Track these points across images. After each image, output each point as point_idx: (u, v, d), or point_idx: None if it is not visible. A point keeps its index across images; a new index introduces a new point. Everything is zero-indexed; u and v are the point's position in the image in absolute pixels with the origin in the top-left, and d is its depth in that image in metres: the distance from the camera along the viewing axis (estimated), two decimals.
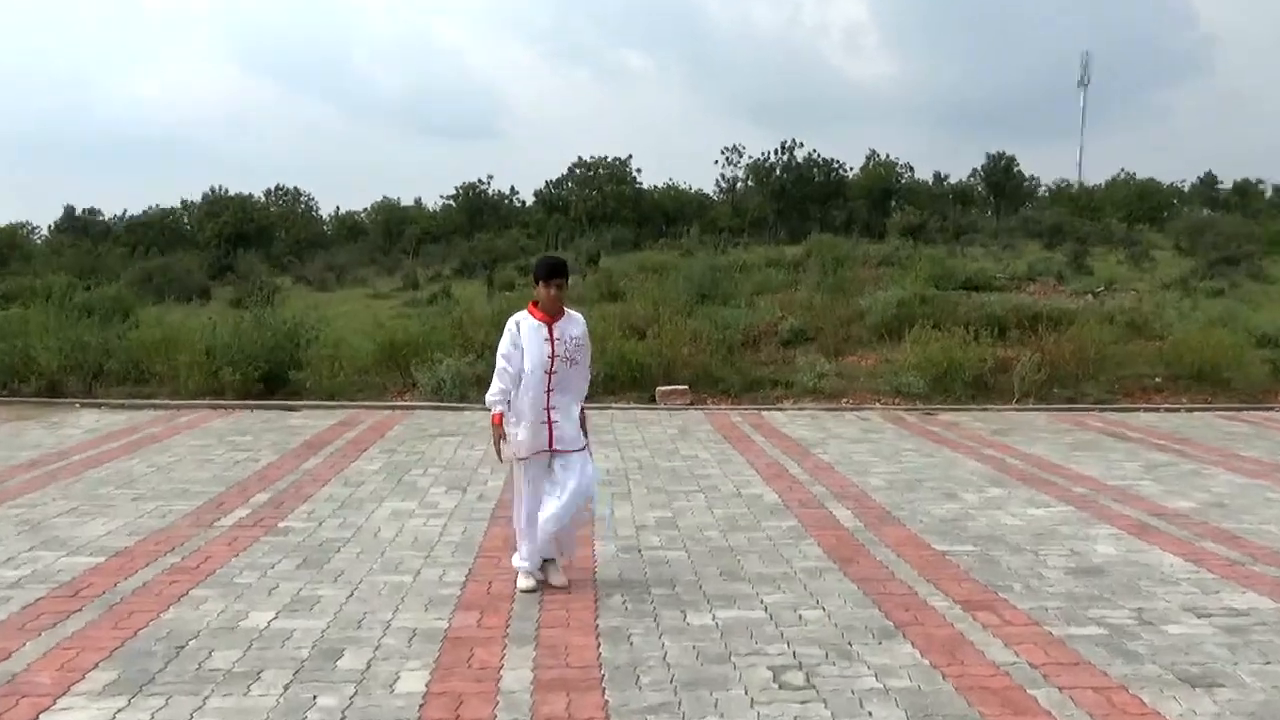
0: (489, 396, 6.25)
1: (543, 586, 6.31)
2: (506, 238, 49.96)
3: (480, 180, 73.76)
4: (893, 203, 67.76)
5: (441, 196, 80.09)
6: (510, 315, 6.36)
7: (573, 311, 6.37)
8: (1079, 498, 9.08)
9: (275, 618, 5.79)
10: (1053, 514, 8.47)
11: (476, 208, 72.65)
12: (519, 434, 6.18)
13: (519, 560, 6.35)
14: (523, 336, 6.14)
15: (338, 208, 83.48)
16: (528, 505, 6.27)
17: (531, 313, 6.22)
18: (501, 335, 6.26)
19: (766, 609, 5.99)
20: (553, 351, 6.17)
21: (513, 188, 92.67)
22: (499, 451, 6.23)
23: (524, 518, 6.28)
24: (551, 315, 6.20)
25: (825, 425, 13.42)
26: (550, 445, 6.23)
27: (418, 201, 78.68)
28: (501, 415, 6.19)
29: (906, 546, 7.40)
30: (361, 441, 11.80)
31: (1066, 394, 15.73)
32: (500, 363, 6.19)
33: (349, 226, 77.64)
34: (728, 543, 7.49)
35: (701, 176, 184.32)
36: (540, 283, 6.16)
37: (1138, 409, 15.15)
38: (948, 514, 8.45)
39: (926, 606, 6.05)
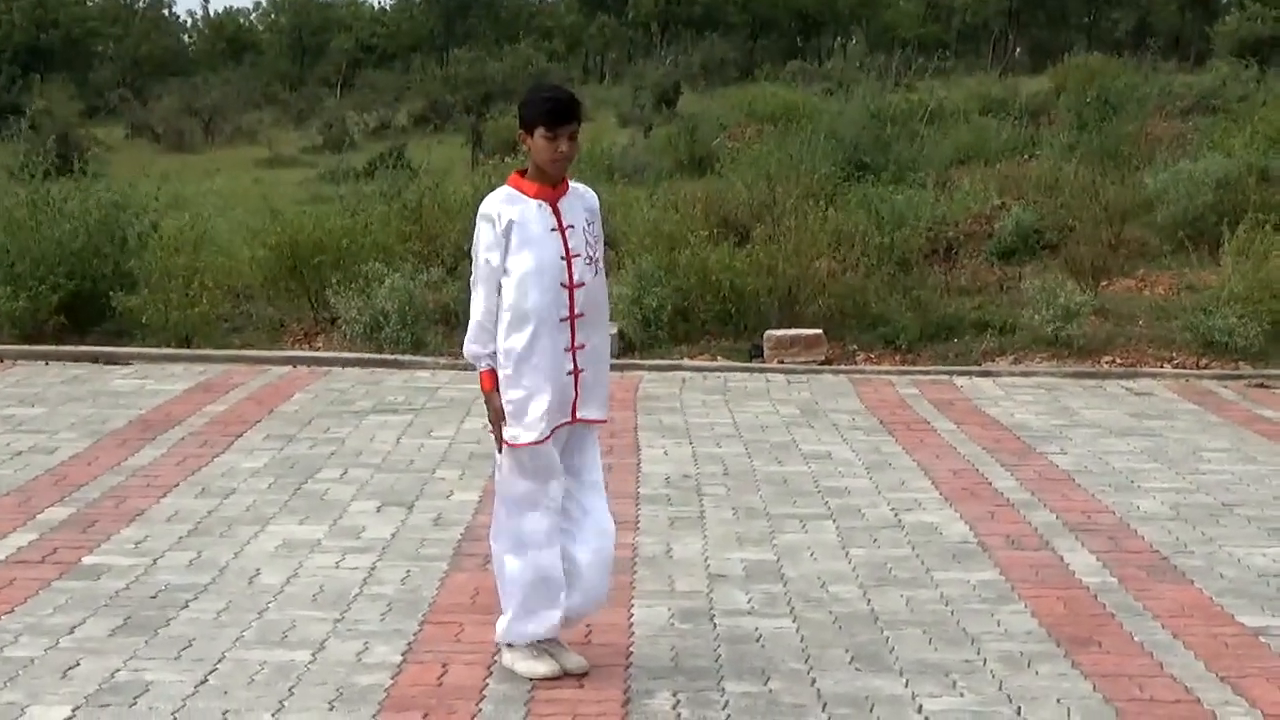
0: (469, 345, 6.48)
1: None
2: (510, 58, 50.24)
3: None
4: None
5: None
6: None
7: (575, 183, 6.60)
8: None
9: (70, 718, 6.09)
10: None
11: (458, 4, 72.98)
12: (531, 403, 6.40)
13: (517, 629, 6.59)
14: (515, 232, 6.34)
15: (206, 3, 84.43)
16: (541, 529, 6.46)
17: (518, 187, 6.42)
18: (476, 233, 6.45)
19: None
20: (567, 248, 6.38)
21: None
22: (499, 439, 6.47)
23: (530, 548, 6.47)
24: (554, 186, 6.42)
25: (1068, 403, 13.49)
26: (574, 414, 6.46)
27: None
28: (493, 375, 6.43)
29: (1192, 619, 7.51)
30: (235, 420, 12.12)
31: None
32: (482, 286, 6.40)
33: (227, 38, 78.58)
34: (870, 607, 7.65)
35: None
36: (537, 130, 6.33)
37: None
38: (1273, 564, 8.53)
39: None
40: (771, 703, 6.35)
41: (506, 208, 6.34)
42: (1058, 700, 6.43)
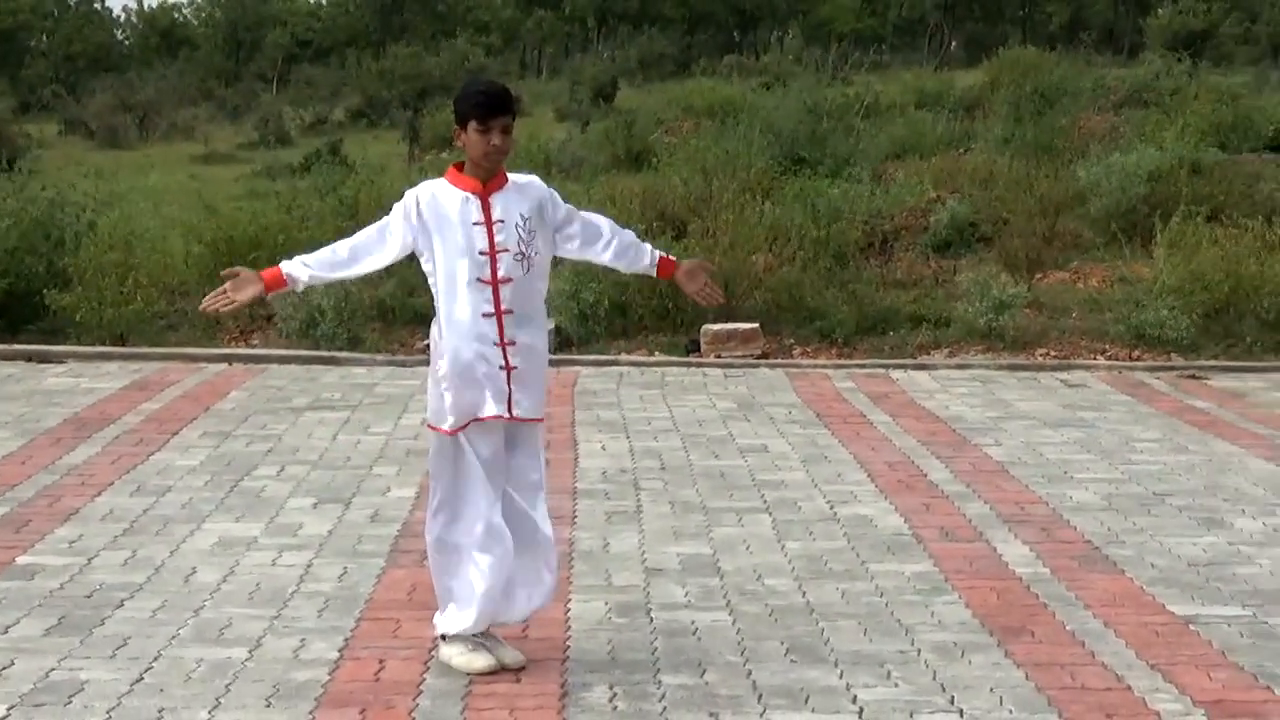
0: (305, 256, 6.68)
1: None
2: (446, 52, 50.13)
3: None
4: None
5: None
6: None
7: (517, 175, 6.63)
8: None
9: (4, 717, 6.08)
10: None
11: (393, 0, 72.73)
12: (446, 393, 6.43)
13: (453, 622, 6.61)
14: (429, 217, 6.40)
15: None
16: (479, 517, 6.47)
17: (453, 180, 6.46)
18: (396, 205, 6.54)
19: (862, 713, 6.22)
20: (491, 241, 6.40)
21: None
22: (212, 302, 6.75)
23: (467, 542, 6.49)
24: (485, 181, 6.45)
25: (1002, 396, 13.60)
26: (510, 411, 6.46)
27: None
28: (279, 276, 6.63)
29: (1123, 608, 7.60)
30: (171, 418, 12.09)
31: None
32: (364, 232, 6.56)
33: (162, 33, 78.07)
34: (806, 599, 7.70)
35: None
36: (470, 124, 6.37)
37: None
38: (1202, 553, 8.63)
39: (1144, 711, 6.26)
40: (708, 695, 6.39)
41: (426, 191, 6.46)
42: (991, 689, 6.49)
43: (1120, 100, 29.46)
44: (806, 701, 6.32)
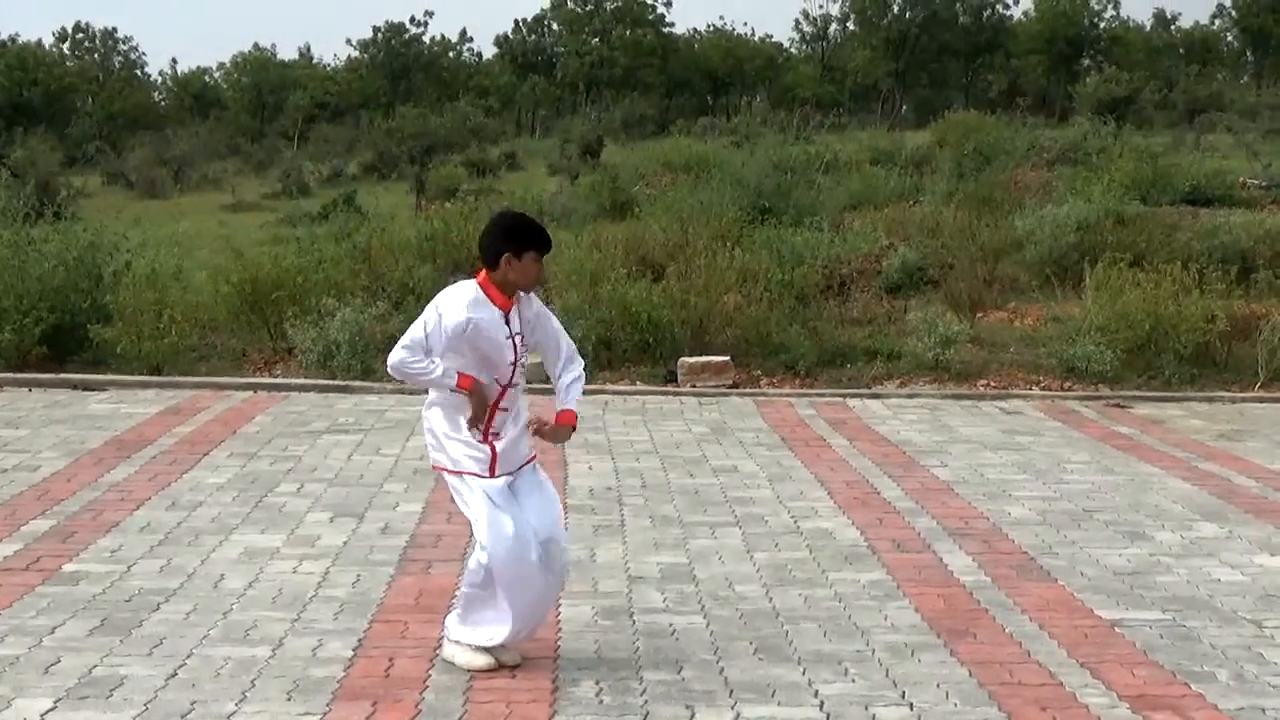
0: (414, 364, 6.43)
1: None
2: (449, 113, 50.26)
3: (411, 20, 73.92)
4: (1084, 62, 67.66)
5: (349, 44, 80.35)
6: (448, 285, 6.59)
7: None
8: None
9: (52, 709, 6.07)
10: None
11: (403, 65, 72.93)
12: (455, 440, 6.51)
13: (470, 632, 6.62)
14: (480, 332, 6.42)
15: (175, 63, 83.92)
16: (510, 539, 6.49)
17: (488, 293, 6.48)
18: (439, 312, 6.43)
19: (823, 707, 6.24)
20: (515, 355, 6.55)
21: (464, 33, 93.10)
22: (478, 418, 6.46)
23: (497, 559, 6.48)
24: (511, 298, 6.52)
25: (948, 422, 13.64)
26: (493, 470, 6.51)
27: (306, 54, 79.11)
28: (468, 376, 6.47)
29: (1056, 612, 7.64)
30: (202, 440, 12.09)
31: None
32: (412, 348, 6.43)
33: (195, 94, 78.07)
34: (772, 604, 7.74)
35: (774, 16, 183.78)
36: (528, 254, 6.45)
37: None
38: (1127, 563, 8.68)
39: (1074, 705, 6.29)
40: (684, 690, 6.40)
41: (478, 310, 6.41)
42: (938, 685, 6.51)
43: (1053, 158, 29.58)
44: (773, 696, 6.34)
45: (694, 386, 15.19)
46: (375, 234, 19.43)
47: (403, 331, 6.62)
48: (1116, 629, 7.38)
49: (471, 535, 6.95)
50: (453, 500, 6.74)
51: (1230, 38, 74.70)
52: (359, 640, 7.00)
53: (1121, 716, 6.17)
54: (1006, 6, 69.66)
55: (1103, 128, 34.17)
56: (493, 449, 6.48)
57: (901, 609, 7.68)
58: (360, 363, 15.30)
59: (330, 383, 15.02)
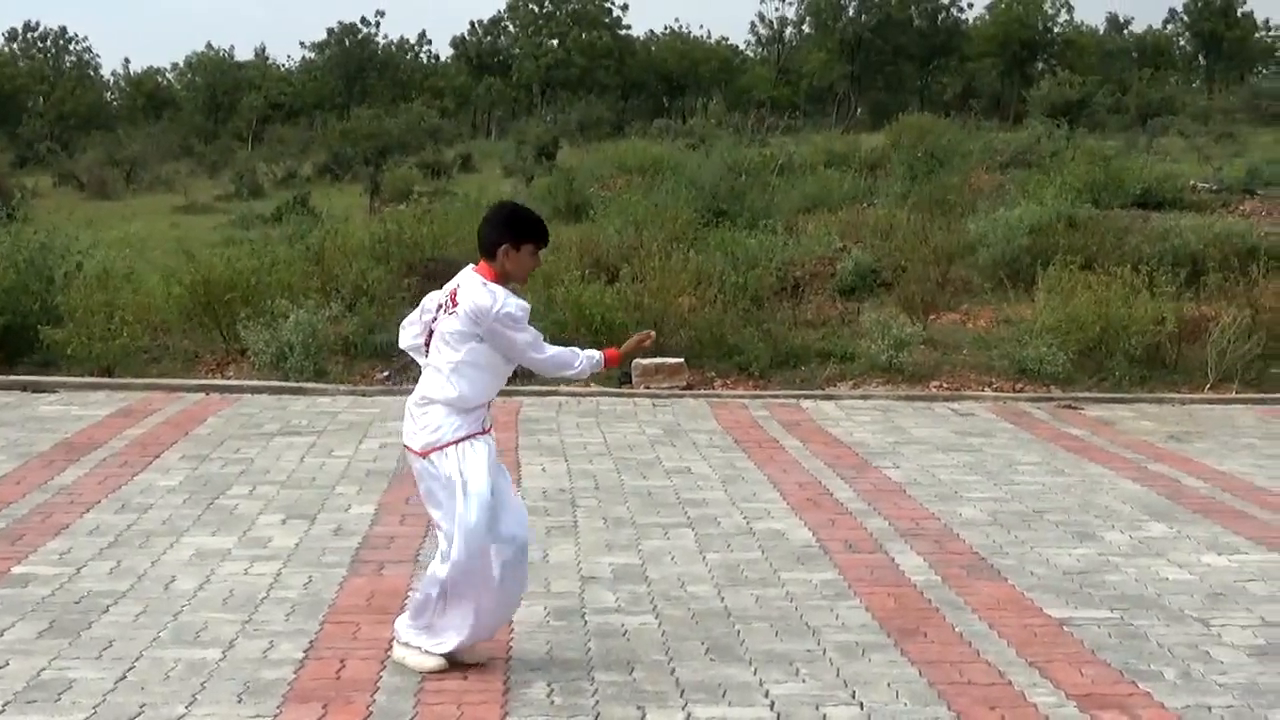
0: (586, 359, 6.68)
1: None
2: (404, 114, 50.14)
3: (364, 21, 73.72)
4: (1038, 65, 68.05)
5: (302, 46, 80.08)
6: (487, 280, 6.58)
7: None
8: None
9: (1, 712, 6.04)
10: (1242, 564, 8.80)
11: (357, 66, 72.67)
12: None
13: (424, 638, 6.62)
14: None
15: (127, 63, 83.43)
16: (507, 538, 6.53)
17: (493, 281, 6.58)
18: (522, 322, 6.53)
19: (773, 706, 6.27)
20: None
21: (423, 34, 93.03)
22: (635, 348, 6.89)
23: (499, 559, 6.51)
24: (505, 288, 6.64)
25: (900, 423, 13.70)
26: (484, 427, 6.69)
27: (260, 55, 78.69)
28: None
29: (1006, 611, 7.69)
30: (153, 442, 12.03)
31: None
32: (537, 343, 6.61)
33: (148, 95, 77.63)
34: (724, 604, 7.76)
35: (729, 18, 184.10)
36: (526, 246, 6.57)
37: None
38: (1077, 563, 8.75)
39: (1023, 704, 6.34)
40: (635, 690, 6.42)
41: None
42: (888, 684, 6.55)
43: (1006, 161, 29.77)
44: (724, 696, 6.36)
45: (648, 388, 15.21)
46: (329, 236, 19.36)
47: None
48: (1065, 628, 7.44)
49: (428, 533, 6.93)
50: (433, 488, 6.59)
51: (1182, 42, 75.29)
52: (310, 642, 6.99)
53: (1069, 715, 6.22)
54: (961, 10, 69.88)
55: (1056, 131, 34.43)
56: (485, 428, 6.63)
57: (853, 609, 7.72)
58: (313, 364, 15.25)
59: (283, 384, 14.97)
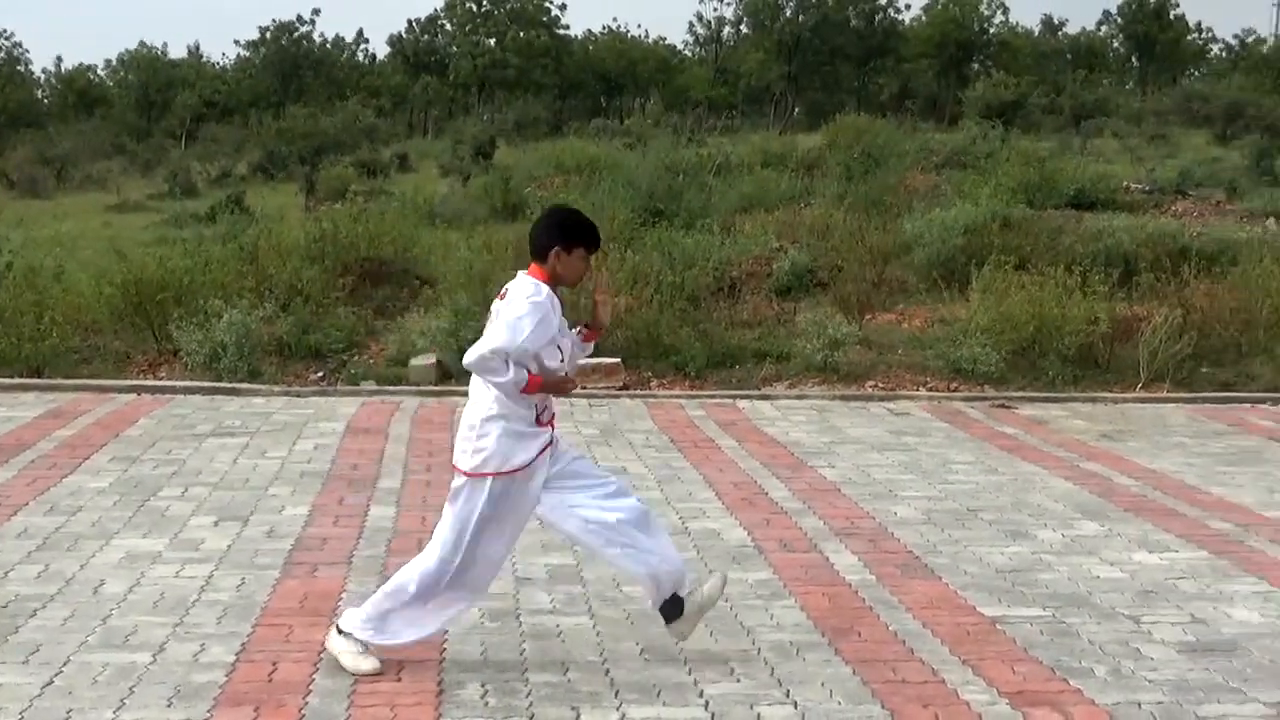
0: (518, 375, 6.42)
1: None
2: (340, 113, 49.92)
3: (300, 19, 73.30)
4: (974, 66, 68.51)
5: (236, 44, 79.55)
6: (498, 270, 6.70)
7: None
8: (1218, 537, 9.53)
9: None
10: (1173, 561, 8.91)
11: (293, 64, 72.26)
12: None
13: (385, 638, 6.63)
14: (558, 328, 6.59)
15: (59, 60, 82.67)
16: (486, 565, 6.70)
17: (547, 283, 6.57)
18: (527, 314, 6.41)
19: (707, 706, 6.28)
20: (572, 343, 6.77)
21: (360, 33, 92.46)
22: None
23: (456, 567, 6.59)
24: (556, 291, 6.63)
25: (836, 423, 13.77)
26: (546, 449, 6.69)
27: (195, 52, 78.13)
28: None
29: (939, 610, 7.75)
30: (83, 443, 11.93)
31: (1222, 376, 16.27)
32: (522, 354, 6.41)
33: (79, 92, 76.88)
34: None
35: (667, 18, 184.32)
36: (577, 250, 6.57)
37: None
38: (1010, 561, 8.82)
39: (956, 701, 6.38)
40: (570, 691, 6.42)
41: (555, 310, 6.51)
42: (822, 684, 6.58)
43: (941, 162, 29.92)
44: (659, 696, 6.37)
45: (584, 388, 15.20)
46: (263, 235, 19.26)
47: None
48: (998, 626, 7.50)
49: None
50: (452, 503, 6.64)
51: (1116, 44, 75.99)
52: (242, 645, 6.95)
53: (1001, 712, 6.27)
54: (898, 11, 70.26)
55: (991, 132, 34.64)
56: (552, 426, 6.67)
57: (787, 608, 7.75)
58: (247, 365, 15.16)
59: (216, 385, 14.88)
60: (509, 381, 6.37)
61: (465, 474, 6.55)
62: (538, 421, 6.57)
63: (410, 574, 6.59)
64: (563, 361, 6.64)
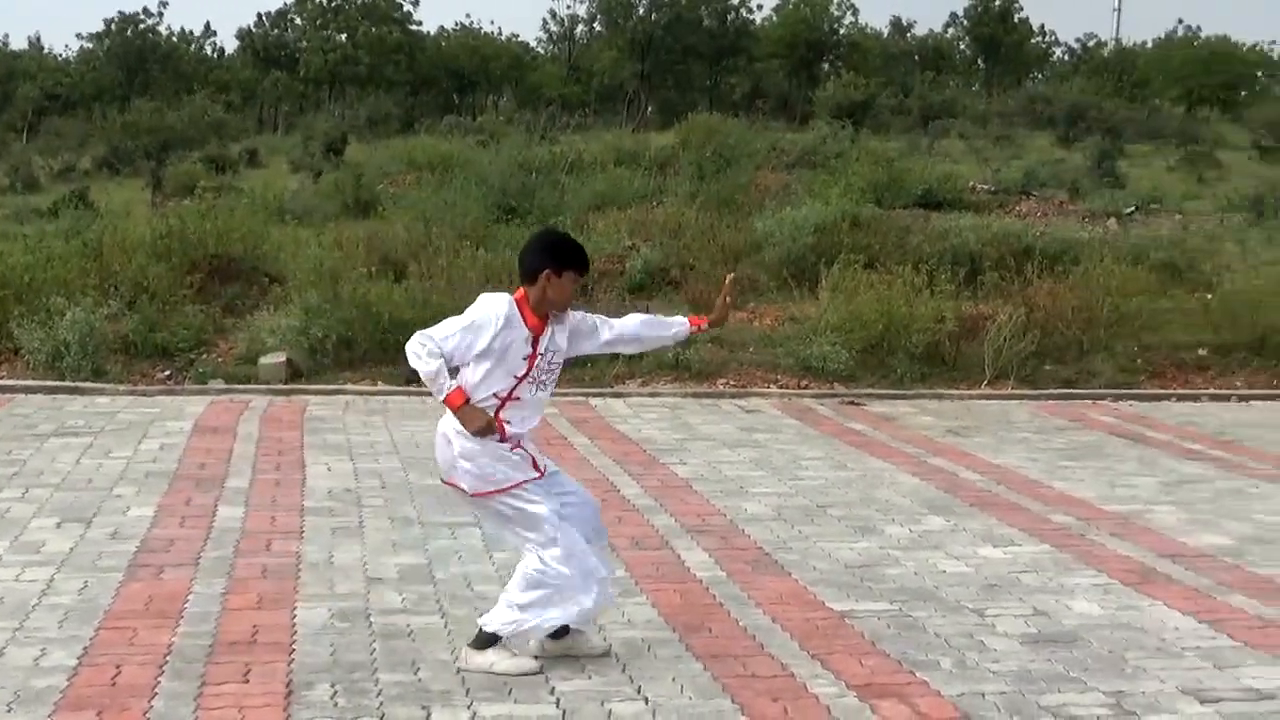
0: (433, 365, 6.46)
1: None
2: (188, 107, 49.11)
3: (146, 11, 71.96)
4: (825, 66, 69.25)
5: (79, 36, 77.93)
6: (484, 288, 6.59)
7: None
8: (1059, 531, 9.76)
9: None
10: (1016, 555, 9.10)
11: (139, 57, 70.92)
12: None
13: (538, 625, 6.67)
14: (508, 343, 6.52)
15: None
16: (570, 531, 6.72)
17: (522, 313, 6.55)
18: (463, 318, 6.52)
19: (559, 703, 6.30)
20: (527, 372, 6.63)
21: (207, 25, 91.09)
22: (494, 431, 6.60)
23: (565, 546, 6.63)
24: (544, 320, 6.59)
25: (688, 420, 13.86)
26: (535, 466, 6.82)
27: (35, 43, 76.31)
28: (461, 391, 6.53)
29: (789, 605, 7.84)
30: None
31: (1065, 373, 16.66)
32: (439, 349, 6.46)
33: None
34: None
35: (521, 16, 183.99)
36: (568, 273, 6.55)
37: (1169, 396, 16.19)
38: (857, 557, 8.95)
39: (805, 694, 6.46)
40: (421, 690, 6.41)
41: (505, 333, 6.47)
42: (673, 679, 6.63)
43: (792, 161, 30.17)
44: (510, 694, 6.38)
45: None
46: (108, 231, 18.89)
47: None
48: (846, 620, 7.61)
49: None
50: (496, 520, 6.87)
51: (963, 46, 77.20)
52: (84, 648, 6.83)
53: (850, 705, 6.36)
54: (750, 11, 70.76)
55: (841, 132, 34.99)
56: (522, 446, 6.72)
57: (639, 605, 7.80)
58: (91, 364, 14.91)
59: (59, 384, 14.61)
60: (425, 371, 6.48)
61: (471, 495, 6.81)
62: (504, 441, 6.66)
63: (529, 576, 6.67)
64: (511, 396, 6.61)
